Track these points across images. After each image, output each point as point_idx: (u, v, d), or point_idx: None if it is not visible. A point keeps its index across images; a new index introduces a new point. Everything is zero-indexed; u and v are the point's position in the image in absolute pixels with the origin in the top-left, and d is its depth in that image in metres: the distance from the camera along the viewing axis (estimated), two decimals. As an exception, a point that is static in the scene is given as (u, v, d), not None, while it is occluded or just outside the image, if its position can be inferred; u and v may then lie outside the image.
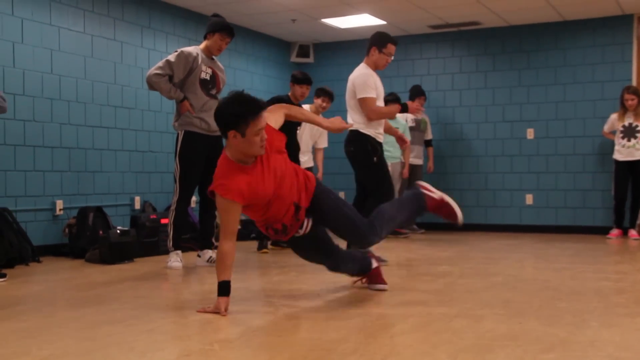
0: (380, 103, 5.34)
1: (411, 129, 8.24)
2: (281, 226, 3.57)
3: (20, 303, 3.86)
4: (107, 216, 6.23)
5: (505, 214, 8.71)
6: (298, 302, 3.76)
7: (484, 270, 5.05)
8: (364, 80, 5.20)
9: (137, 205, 6.96)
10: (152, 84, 5.19)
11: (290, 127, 6.43)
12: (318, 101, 6.73)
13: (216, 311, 3.32)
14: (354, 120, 5.27)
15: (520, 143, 8.64)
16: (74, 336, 2.95)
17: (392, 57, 5.35)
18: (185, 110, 5.20)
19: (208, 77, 5.31)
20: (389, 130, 5.71)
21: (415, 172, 8.33)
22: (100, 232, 5.87)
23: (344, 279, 4.34)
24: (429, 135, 8.67)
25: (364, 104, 5.18)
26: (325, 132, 7.50)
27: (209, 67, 5.32)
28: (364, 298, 3.92)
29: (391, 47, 5.32)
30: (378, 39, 5.34)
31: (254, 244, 6.55)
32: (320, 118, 4.21)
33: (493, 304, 3.67)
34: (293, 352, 2.66)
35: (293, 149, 6.41)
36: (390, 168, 7.68)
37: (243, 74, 8.70)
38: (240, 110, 3.24)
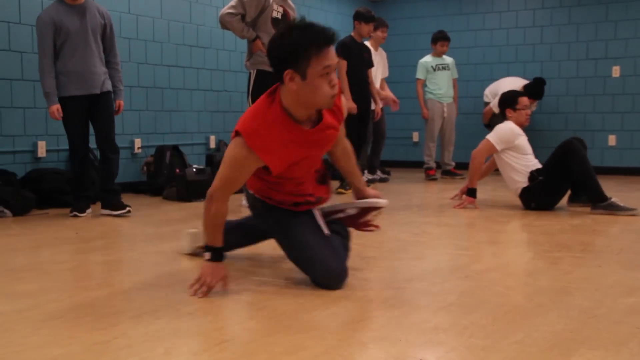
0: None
1: None
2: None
3: (102, 237, 4.00)
4: (184, 154, 6.36)
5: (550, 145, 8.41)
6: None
7: (561, 213, 4.93)
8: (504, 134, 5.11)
9: (213, 144, 7.07)
10: (224, 24, 5.20)
11: (361, 71, 6.41)
12: (378, 33, 7.08)
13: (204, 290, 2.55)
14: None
15: (605, 81, 8.28)
16: (154, 270, 3.05)
17: (530, 108, 5.31)
18: (257, 50, 5.20)
19: (279, 16, 5.26)
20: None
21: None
22: (177, 170, 6.00)
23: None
24: None
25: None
26: (385, 60, 7.50)
27: (281, 5, 5.28)
28: (434, 241, 3.89)
29: (524, 100, 5.24)
30: (509, 100, 5.26)
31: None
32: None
33: (570, 247, 3.58)
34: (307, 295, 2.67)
35: (364, 92, 6.43)
36: (445, 108, 7.69)
37: (317, 12, 8.60)
38: (299, 40, 2.39)
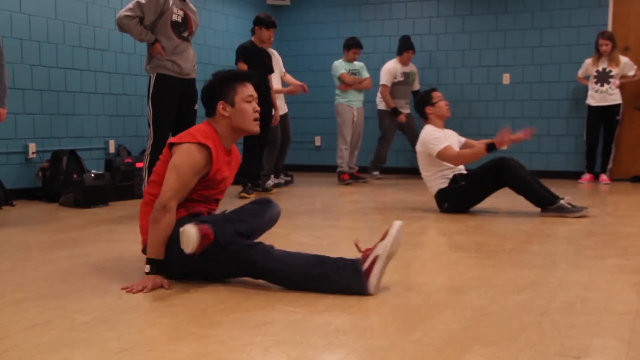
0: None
1: (400, 83, 8.20)
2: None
3: (-6, 246, 3.83)
4: (81, 160, 6.17)
5: (480, 159, 8.74)
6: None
7: (458, 215, 5.11)
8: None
9: (112, 149, 6.89)
10: (122, 26, 5.09)
11: (261, 76, 6.39)
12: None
13: (140, 289, 2.70)
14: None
15: (496, 88, 8.65)
16: (49, 279, 2.95)
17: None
18: (157, 53, 5.12)
19: (180, 20, 5.20)
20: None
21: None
22: (75, 175, 5.82)
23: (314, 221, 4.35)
24: (416, 87, 8.53)
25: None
26: (279, 60, 7.49)
27: (181, 9, 5.22)
28: (335, 245, 3.95)
29: (437, 94, 5.43)
30: (424, 99, 5.37)
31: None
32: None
33: (466, 247, 3.72)
34: (271, 290, 2.68)
35: (265, 97, 6.38)
36: (355, 112, 7.85)
37: (218, 15, 8.54)
38: (224, 77, 2.99)
